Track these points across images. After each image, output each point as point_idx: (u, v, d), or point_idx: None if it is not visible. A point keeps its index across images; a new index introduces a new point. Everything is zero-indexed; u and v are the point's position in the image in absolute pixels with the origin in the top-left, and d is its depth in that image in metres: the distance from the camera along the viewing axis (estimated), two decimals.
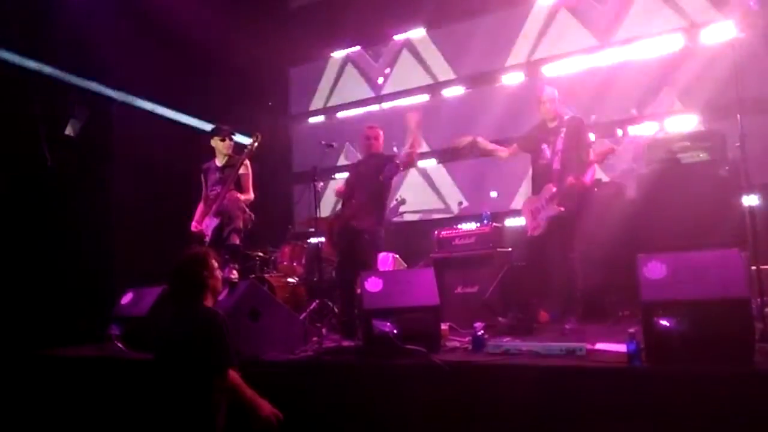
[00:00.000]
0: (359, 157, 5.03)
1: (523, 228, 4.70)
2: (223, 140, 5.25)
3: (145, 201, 6.67)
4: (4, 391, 4.65)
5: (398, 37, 7.87)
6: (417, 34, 7.74)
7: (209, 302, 2.97)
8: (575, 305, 4.35)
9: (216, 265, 3.05)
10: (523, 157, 4.86)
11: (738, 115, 3.72)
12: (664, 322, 2.80)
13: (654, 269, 2.96)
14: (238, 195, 5.10)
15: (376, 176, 4.72)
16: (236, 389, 2.79)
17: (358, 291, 4.63)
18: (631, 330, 2.94)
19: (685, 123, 5.92)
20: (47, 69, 5.95)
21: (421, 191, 7.35)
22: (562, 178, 4.33)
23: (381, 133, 5.02)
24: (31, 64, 5.84)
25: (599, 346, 3.30)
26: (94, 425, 4.21)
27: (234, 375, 2.81)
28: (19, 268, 5.50)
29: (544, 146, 4.54)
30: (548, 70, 6.83)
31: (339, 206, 5.07)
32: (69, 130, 5.98)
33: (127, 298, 4.93)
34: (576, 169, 4.33)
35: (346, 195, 5.02)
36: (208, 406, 2.73)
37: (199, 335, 2.78)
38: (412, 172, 7.45)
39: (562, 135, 4.43)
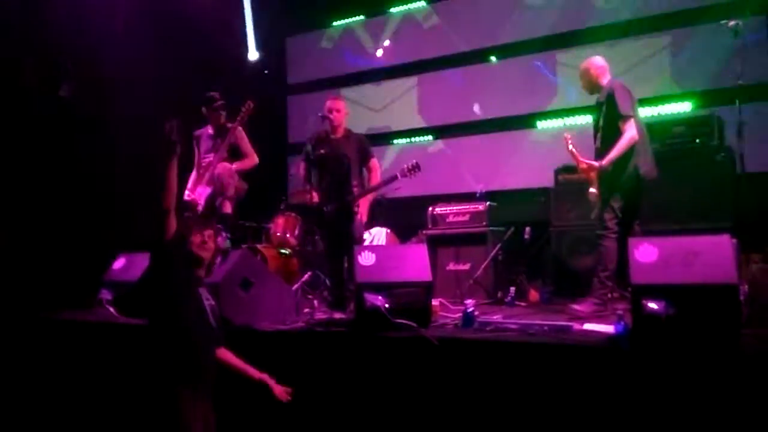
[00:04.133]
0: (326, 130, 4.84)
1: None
2: (215, 110, 5.20)
3: (139, 166, 6.61)
4: None
5: (398, 9, 7.77)
6: (417, 5, 7.64)
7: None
8: (598, 288, 4.00)
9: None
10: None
11: (737, 101, 3.73)
12: (653, 305, 2.82)
13: (645, 252, 2.98)
14: (230, 164, 5.07)
15: (355, 153, 4.73)
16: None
17: (347, 266, 4.67)
18: (619, 311, 2.98)
19: (681, 107, 5.90)
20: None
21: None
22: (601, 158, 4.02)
23: (344, 104, 4.92)
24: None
25: (587, 326, 3.35)
26: (85, 390, 4.23)
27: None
28: (9, 231, 5.47)
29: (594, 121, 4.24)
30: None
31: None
32: (63, 92, 5.89)
33: (119, 263, 4.93)
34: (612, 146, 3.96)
35: (309, 171, 4.81)
36: None
37: None
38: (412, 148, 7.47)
39: (604, 108, 4.06)
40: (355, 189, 4.70)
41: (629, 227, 4.03)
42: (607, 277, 3.99)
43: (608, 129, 4.01)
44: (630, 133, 3.91)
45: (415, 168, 4.61)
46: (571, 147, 4.08)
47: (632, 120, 3.93)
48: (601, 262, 4.01)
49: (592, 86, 4.21)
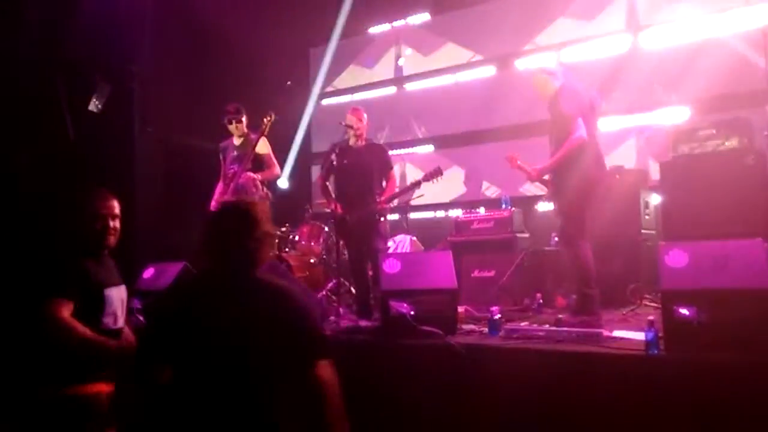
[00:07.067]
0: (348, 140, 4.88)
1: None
2: (230, 122, 5.26)
3: (167, 177, 6.72)
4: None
5: (417, 18, 7.80)
6: (438, 14, 7.66)
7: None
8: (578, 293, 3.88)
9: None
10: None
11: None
12: (684, 311, 2.78)
13: (675, 257, 2.94)
14: (254, 174, 5.12)
15: (378, 163, 4.73)
16: None
17: (371, 274, 4.67)
18: (651, 318, 2.93)
19: (708, 110, 5.79)
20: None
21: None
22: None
23: (365, 115, 4.91)
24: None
25: (617, 333, 3.30)
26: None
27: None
28: (40, 241, 5.59)
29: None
30: (568, 55, 6.71)
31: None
32: (92, 106, 6.02)
33: (148, 273, 5.00)
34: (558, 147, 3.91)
35: (339, 180, 4.84)
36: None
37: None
38: (435, 155, 7.46)
39: (553, 111, 3.99)
40: (377, 199, 4.67)
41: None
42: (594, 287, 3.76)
43: (557, 131, 3.92)
44: (576, 133, 3.76)
45: (437, 172, 4.58)
46: (519, 162, 4.14)
47: (578, 120, 3.77)
48: (575, 268, 3.83)
49: (545, 92, 4.05)
